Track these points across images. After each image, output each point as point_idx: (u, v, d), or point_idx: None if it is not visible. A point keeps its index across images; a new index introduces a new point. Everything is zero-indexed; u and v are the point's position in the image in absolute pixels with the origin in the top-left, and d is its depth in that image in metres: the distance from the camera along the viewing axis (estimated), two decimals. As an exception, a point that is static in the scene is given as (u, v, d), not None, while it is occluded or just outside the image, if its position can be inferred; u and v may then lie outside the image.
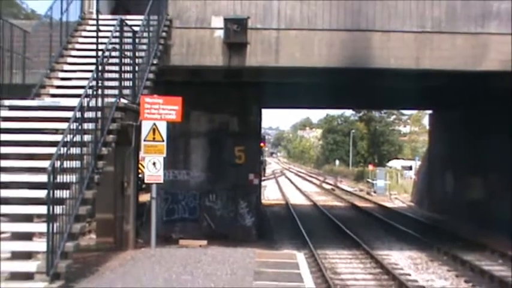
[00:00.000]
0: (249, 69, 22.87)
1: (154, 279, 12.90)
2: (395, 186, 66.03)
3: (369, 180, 70.65)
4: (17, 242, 12.42)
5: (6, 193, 13.29)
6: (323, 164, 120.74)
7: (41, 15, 22.31)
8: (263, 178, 57.68)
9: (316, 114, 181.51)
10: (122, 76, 16.39)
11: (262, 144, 35.92)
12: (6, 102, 15.65)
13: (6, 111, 15.53)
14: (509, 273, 22.17)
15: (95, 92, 14.39)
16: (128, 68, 16.82)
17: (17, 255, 12.12)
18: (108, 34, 16.80)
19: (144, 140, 17.35)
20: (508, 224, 29.16)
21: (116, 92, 15.85)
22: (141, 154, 17.99)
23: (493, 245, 26.44)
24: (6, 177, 13.66)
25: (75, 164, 13.02)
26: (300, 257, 16.88)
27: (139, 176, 21.10)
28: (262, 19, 21.78)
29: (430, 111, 48.90)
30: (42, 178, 11.97)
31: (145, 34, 18.32)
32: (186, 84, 22.24)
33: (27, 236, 12.48)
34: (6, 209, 13.05)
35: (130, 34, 17.02)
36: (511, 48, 21.40)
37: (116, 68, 16.12)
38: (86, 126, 13.66)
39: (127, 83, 16.75)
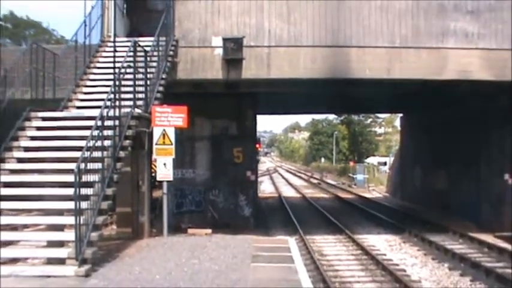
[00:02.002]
0: (245, 81, 22.86)
1: (167, 262, 13.00)
2: (373, 179, 65.91)
3: (350, 174, 70.54)
4: (51, 233, 12.60)
5: (41, 191, 13.51)
6: (310, 161, 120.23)
7: (68, 40, 22.44)
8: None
9: (304, 119, 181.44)
10: (136, 89, 16.43)
11: (257, 145, 35.82)
12: (40, 114, 15.88)
13: (40, 121, 15.75)
14: (467, 250, 22.48)
15: (113, 104, 14.49)
16: (140, 83, 16.88)
17: (51, 244, 12.28)
18: (124, 54, 16.94)
19: (156, 144, 17.40)
20: (467, 210, 29.46)
21: (130, 103, 15.92)
22: (154, 156, 17.99)
23: (454, 228, 26.67)
24: (41, 178, 13.93)
25: (98, 165, 13.14)
26: (291, 242, 16.88)
27: (152, 174, 21.17)
28: (256, 38, 21.86)
29: (401, 115, 48.95)
30: (70, 178, 12.07)
31: (155, 53, 18.37)
32: (191, 95, 22.24)
33: (60, 228, 12.61)
34: (42, 204, 13.26)
35: (142, 53, 17.08)
36: (466, 60, 21.76)
37: (131, 82, 16.18)
38: (106, 133, 13.75)
39: (140, 95, 16.79)
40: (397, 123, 70.98)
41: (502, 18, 21.92)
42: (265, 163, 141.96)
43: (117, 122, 14.62)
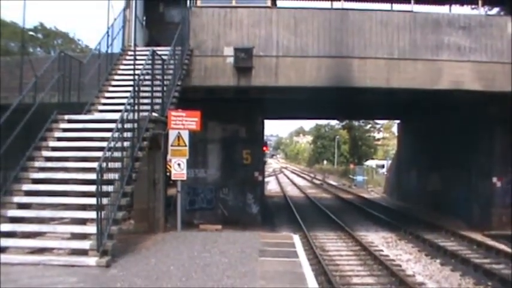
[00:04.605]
0: (254, 88, 22.95)
1: (180, 255, 13.03)
2: (371, 180, 65.65)
3: (351, 176, 70.39)
4: (75, 226, 12.62)
5: (66, 188, 13.65)
6: (313, 163, 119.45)
7: (92, 49, 22.58)
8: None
9: (308, 124, 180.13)
10: (153, 95, 16.47)
11: (265, 148, 35.83)
12: (66, 117, 15.97)
13: (65, 123, 15.84)
14: (458, 247, 22.45)
15: (132, 108, 14.53)
16: (158, 89, 16.93)
17: (75, 236, 12.34)
18: (143, 62, 16.98)
19: (171, 145, 17.52)
20: (458, 210, 29.46)
21: (148, 107, 15.95)
22: (169, 156, 18.05)
23: (447, 226, 26.68)
24: (66, 175, 14.04)
25: (118, 165, 13.20)
26: (296, 238, 16.71)
27: (167, 174, 21.26)
28: (264, 48, 22.00)
29: (398, 121, 48.91)
30: (93, 176, 12.14)
31: (171, 61, 18.51)
32: (204, 101, 22.27)
33: (83, 221, 12.66)
34: (67, 200, 13.39)
35: (160, 62, 17.18)
36: (459, 72, 21.83)
37: (149, 88, 16.21)
38: (125, 134, 13.81)
39: (157, 100, 16.83)
40: (395, 129, 70.90)
41: (491, 33, 22.06)
42: (272, 164, 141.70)
43: (135, 125, 14.65)
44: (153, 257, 12.69)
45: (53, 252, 11.90)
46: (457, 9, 24.52)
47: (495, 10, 27.56)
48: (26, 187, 13.48)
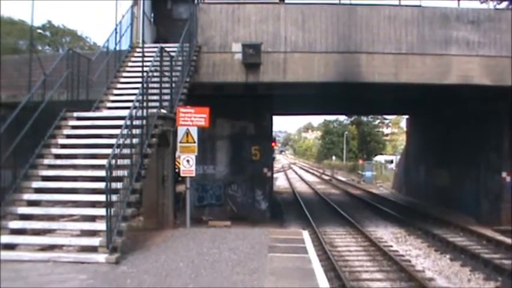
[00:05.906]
0: (262, 84, 22.96)
1: (189, 251, 13.01)
2: (380, 176, 65.45)
3: (359, 172, 70.25)
4: (85, 223, 12.67)
5: (75, 185, 13.68)
6: (322, 159, 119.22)
7: (100, 46, 22.59)
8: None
9: (316, 119, 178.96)
10: (162, 91, 16.45)
11: (273, 144, 35.78)
12: (75, 114, 16.00)
13: (74, 120, 15.86)
14: (467, 242, 22.33)
15: (141, 105, 14.50)
16: (166, 85, 16.89)
17: (85, 233, 12.40)
18: (151, 59, 17.00)
19: (180, 142, 17.51)
20: (467, 205, 29.34)
21: (157, 104, 15.94)
22: (177, 153, 18.03)
23: (455, 222, 26.55)
24: (75, 172, 14.07)
25: (127, 161, 13.17)
26: (305, 234, 16.66)
27: (176, 170, 21.26)
28: (273, 44, 21.97)
29: (407, 116, 48.69)
30: (102, 173, 12.13)
31: (180, 58, 18.46)
32: (213, 97, 22.20)
33: (92, 218, 12.70)
34: (76, 197, 13.40)
35: (168, 58, 17.13)
36: (467, 66, 21.73)
37: (157, 85, 16.19)
38: (134, 131, 13.77)
39: (166, 97, 16.80)
40: (403, 124, 70.60)
41: (500, 28, 21.93)
42: (280, 160, 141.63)
43: (144, 122, 14.62)
44: (162, 253, 12.68)
45: (63, 249, 11.93)
46: (466, 4, 24.44)
47: (504, 4, 27.41)
48: (36, 184, 13.52)
